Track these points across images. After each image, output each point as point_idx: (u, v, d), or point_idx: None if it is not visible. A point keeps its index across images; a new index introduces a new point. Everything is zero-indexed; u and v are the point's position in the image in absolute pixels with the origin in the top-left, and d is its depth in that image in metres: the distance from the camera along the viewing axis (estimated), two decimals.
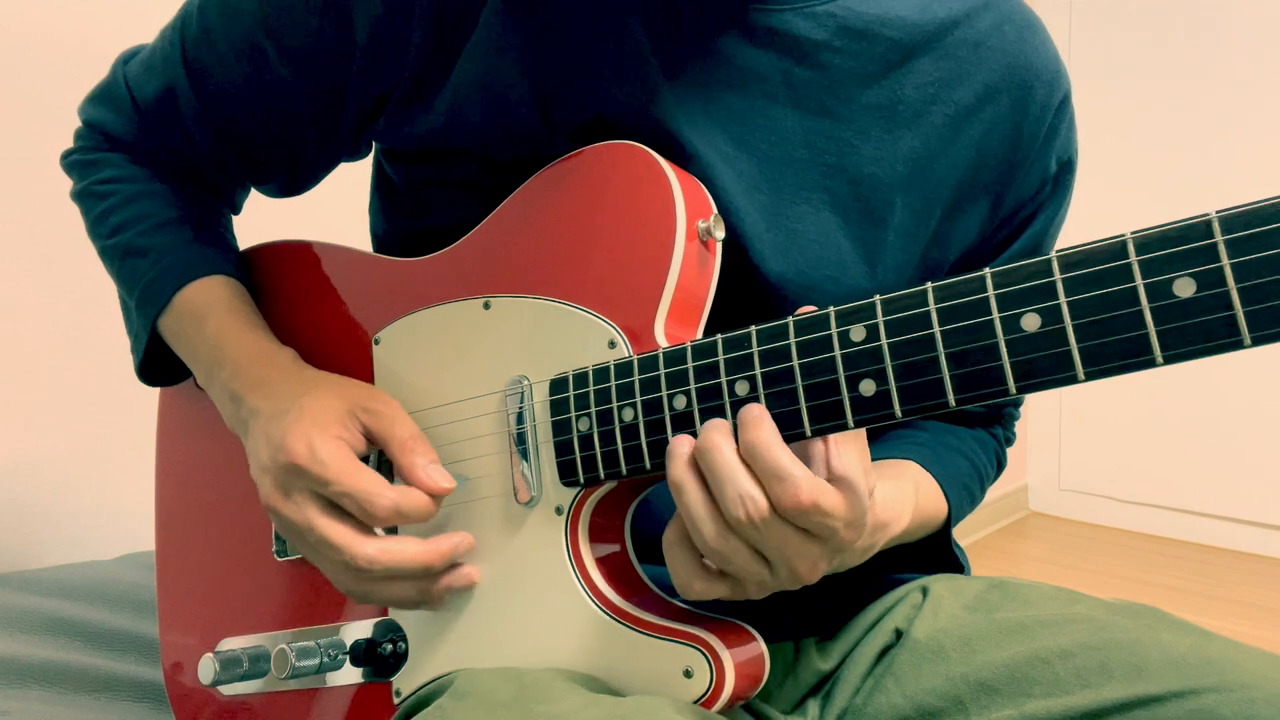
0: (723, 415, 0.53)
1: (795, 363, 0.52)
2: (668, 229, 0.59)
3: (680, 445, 0.53)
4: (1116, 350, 0.43)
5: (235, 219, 0.85)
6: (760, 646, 0.58)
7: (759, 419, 0.51)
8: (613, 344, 0.60)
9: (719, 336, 0.55)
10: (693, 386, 0.55)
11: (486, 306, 0.66)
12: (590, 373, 0.59)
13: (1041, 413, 3.03)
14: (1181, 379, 2.65)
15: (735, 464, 0.51)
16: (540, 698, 0.54)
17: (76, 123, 0.81)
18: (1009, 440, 0.85)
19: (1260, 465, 2.64)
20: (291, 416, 0.63)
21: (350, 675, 0.69)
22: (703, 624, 0.58)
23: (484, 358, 0.65)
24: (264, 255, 0.81)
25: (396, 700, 0.66)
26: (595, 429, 0.59)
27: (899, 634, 0.69)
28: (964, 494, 0.75)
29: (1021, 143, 0.73)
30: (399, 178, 0.74)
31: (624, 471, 0.57)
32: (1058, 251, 0.45)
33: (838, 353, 0.50)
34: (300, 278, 0.77)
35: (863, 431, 0.53)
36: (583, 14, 0.65)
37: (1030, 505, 3.10)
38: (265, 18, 0.69)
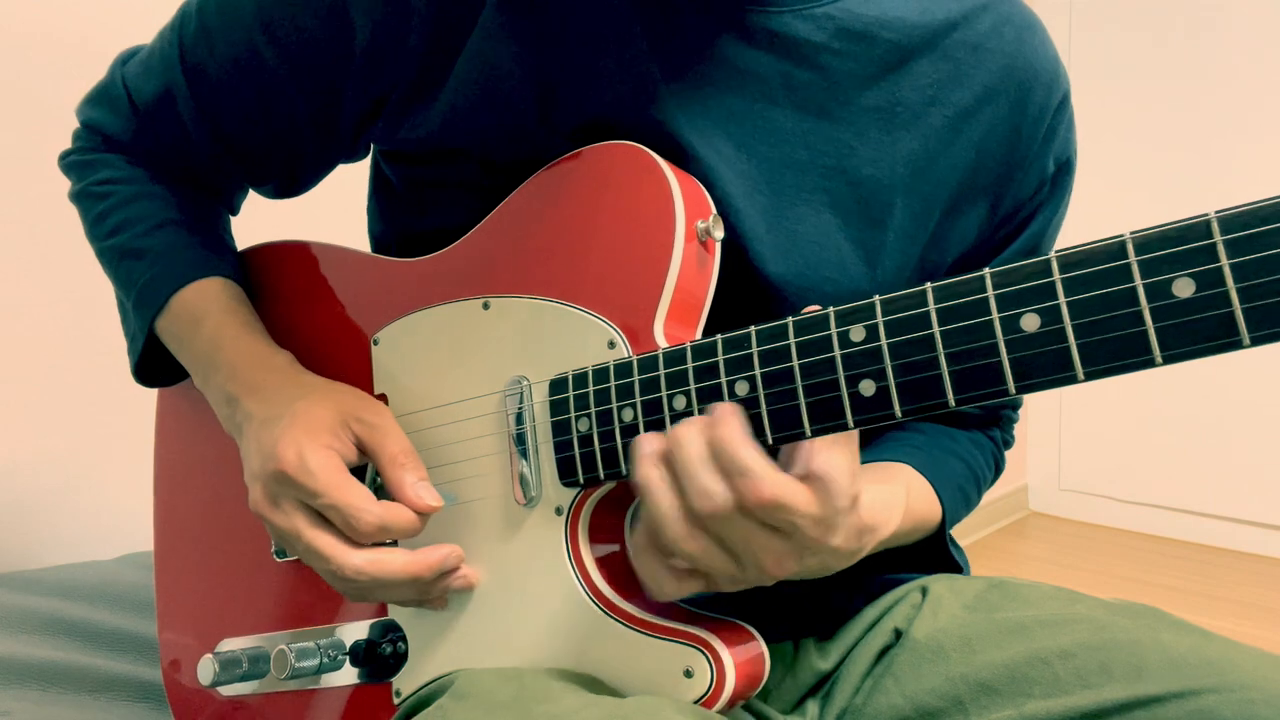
0: None
1: (795, 363, 0.52)
2: (667, 229, 0.59)
3: (648, 443, 0.53)
4: (1116, 350, 0.43)
5: (234, 219, 0.85)
6: (760, 646, 0.58)
7: (726, 416, 0.51)
8: (612, 344, 0.60)
9: (719, 337, 0.55)
10: (692, 387, 0.55)
11: (486, 307, 0.66)
12: (590, 373, 0.59)
13: (1041, 413, 3.03)
14: (1181, 379, 2.65)
15: (703, 458, 0.51)
16: (540, 698, 0.54)
17: (76, 123, 0.81)
18: (1007, 443, 0.85)
19: (1260, 465, 2.64)
20: (284, 423, 0.63)
21: (350, 676, 0.69)
22: (703, 624, 0.58)
23: (483, 358, 0.65)
24: (262, 256, 0.80)
25: (396, 701, 0.66)
26: (595, 429, 0.59)
27: (898, 634, 0.69)
28: (959, 496, 0.75)
29: (1020, 144, 0.73)
30: (397, 179, 0.74)
31: (624, 472, 0.57)
32: (1057, 251, 0.45)
33: (837, 353, 0.50)
34: (299, 278, 0.77)
35: (854, 435, 0.52)
36: (582, 15, 0.65)
37: (1030, 505, 3.10)
38: (264, 18, 0.69)
